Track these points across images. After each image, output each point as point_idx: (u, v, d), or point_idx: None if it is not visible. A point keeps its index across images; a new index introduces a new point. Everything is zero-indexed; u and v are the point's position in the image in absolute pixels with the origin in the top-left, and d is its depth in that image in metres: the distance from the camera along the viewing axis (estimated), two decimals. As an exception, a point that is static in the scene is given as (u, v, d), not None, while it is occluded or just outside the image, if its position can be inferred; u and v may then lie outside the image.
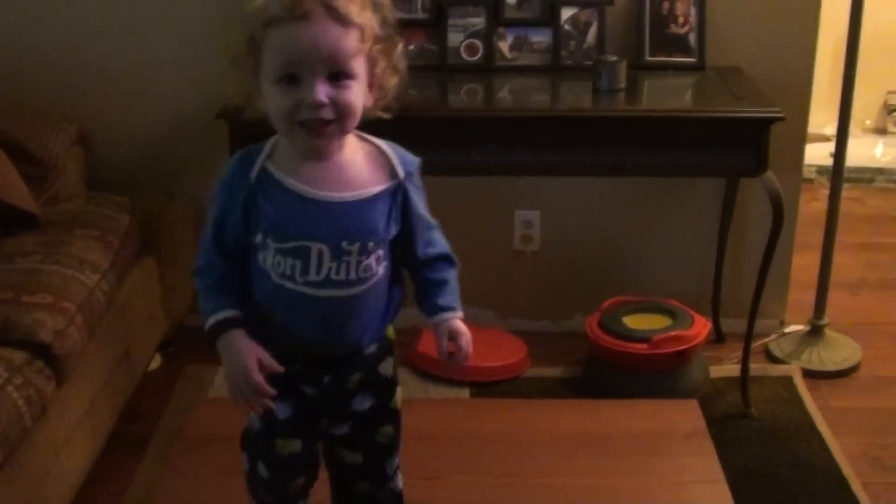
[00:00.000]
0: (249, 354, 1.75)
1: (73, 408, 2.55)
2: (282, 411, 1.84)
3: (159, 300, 3.17)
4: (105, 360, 2.75)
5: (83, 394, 2.60)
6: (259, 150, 1.75)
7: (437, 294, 1.85)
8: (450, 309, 1.86)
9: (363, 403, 1.90)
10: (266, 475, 1.91)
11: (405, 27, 3.11)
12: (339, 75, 1.66)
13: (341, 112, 1.67)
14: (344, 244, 1.72)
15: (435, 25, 3.18)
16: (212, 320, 1.79)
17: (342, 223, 1.73)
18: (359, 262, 1.74)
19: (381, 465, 1.97)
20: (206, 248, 1.78)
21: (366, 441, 1.94)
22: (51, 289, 2.57)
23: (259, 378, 1.74)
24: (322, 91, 1.64)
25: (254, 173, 1.73)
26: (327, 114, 1.65)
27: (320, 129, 1.67)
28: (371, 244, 1.74)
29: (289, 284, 1.74)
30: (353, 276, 1.75)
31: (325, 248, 1.71)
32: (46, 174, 3.07)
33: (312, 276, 1.73)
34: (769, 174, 2.84)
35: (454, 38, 3.17)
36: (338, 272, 1.73)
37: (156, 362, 3.30)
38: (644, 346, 3.10)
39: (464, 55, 3.18)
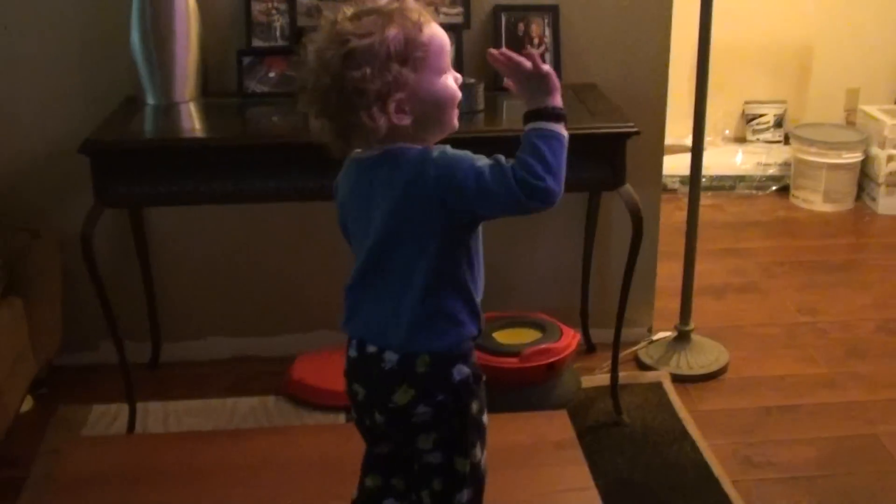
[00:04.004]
0: None
1: (-58, 455, 2.51)
2: None
3: (28, 340, 3.12)
4: (-26, 404, 2.71)
5: (-48, 440, 2.56)
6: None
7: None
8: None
9: None
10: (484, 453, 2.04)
11: (265, 55, 3.18)
12: None
13: None
14: None
15: (295, 53, 3.18)
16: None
17: None
18: None
19: None
20: (503, 171, 1.78)
21: None
22: (-87, 335, 2.52)
23: None
24: None
25: None
26: None
27: None
28: None
29: (475, 246, 1.93)
30: None
31: None
32: None
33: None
34: (627, 187, 2.90)
35: (315, 66, 3.18)
36: None
37: (27, 404, 3.25)
38: (514, 360, 3.13)
39: (326, 82, 3.20)
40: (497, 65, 1.86)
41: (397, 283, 1.87)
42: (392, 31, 1.76)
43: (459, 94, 1.88)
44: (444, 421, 1.92)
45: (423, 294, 1.85)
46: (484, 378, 1.98)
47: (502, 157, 1.79)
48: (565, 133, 1.80)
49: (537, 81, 1.82)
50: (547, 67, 1.82)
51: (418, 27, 1.78)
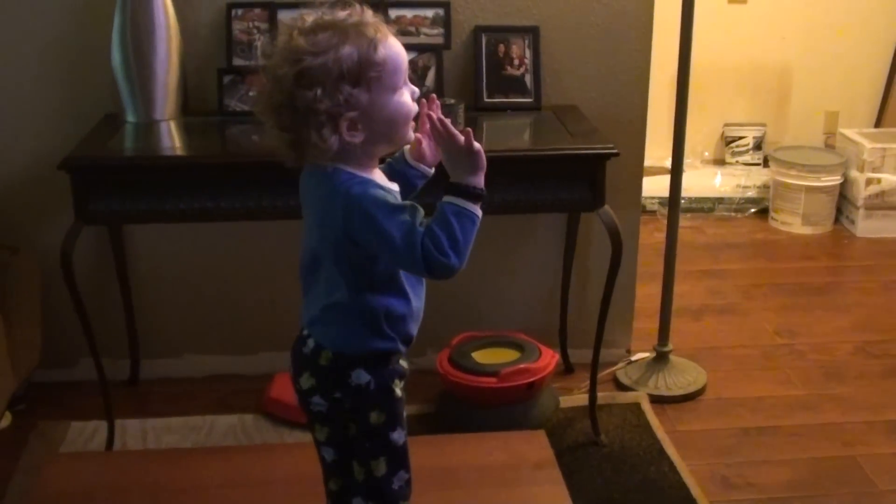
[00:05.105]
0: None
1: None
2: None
3: (7, 357, 3.11)
4: (-50, 420, 2.70)
5: (-71, 457, 2.54)
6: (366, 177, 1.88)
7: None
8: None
9: None
10: (407, 476, 2.07)
11: (246, 73, 3.18)
12: None
13: None
14: None
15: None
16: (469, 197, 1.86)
17: None
18: None
19: None
20: (413, 234, 1.80)
21: None
22: None
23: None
24: None
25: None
26: None
27: None
28: None
29: (394, 273, 1.94)
30: None
31: None
32: None
33: None
34: (606, 208, 2.91)
35: (296, 85, 3.19)
36: None
37: (6, 420, 3.24)
38: (493, 380, 3.14)
39: (307, 101, 3.21)
40: (432, 130, 1.89)
41: (323, 282, 1.94)
42: (346, 50, 1.77)
43: (415, 109, 1.89)
44: (337, 419, 2.01)
45: (337, 302, 1.92)
46: (399, 395, 2.01)
47: (420, 214, 1.81)
48: (480, 213, 1.85)
49: (466, 157, 1.86)
50: (478, 146, 1.86)
51: (373, 45, 1.79)
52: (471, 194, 1.84)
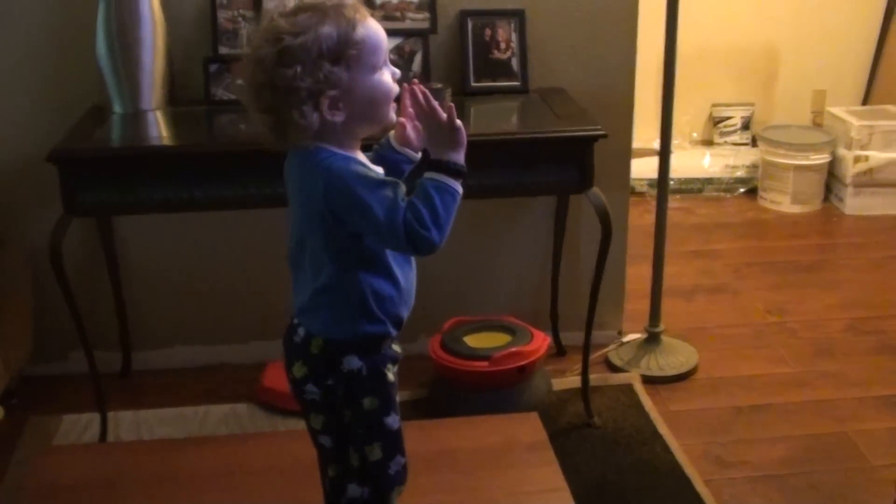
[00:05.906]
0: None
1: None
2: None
3: (-3, 352, 3.11)
4: (-57, 415, 2.69)
5: (-79, 452, 2.54)
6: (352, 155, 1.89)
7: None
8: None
9: None
10: (404, 461, 2.08)
11: (232, 62, 3.17)
12: None
13: None
14: None
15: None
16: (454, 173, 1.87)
17: None
18: None
19: None
20: (395, 209, 1.80)
21: None
22: None
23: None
24: None
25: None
26: None
27: None
28: None
29: (381, 253, 1.94)
30: None
31: None
32: None
33: None
34: (595, 190, 2.91)
35: (283, 73, 3.18)
36: None
37: (-3, 415, 3.25)
38: (485, 363, 3.14)
39: (293, 89, 3.20)
40: (415, 106, 1.90)
41: (310, 269, 1.94)
42: (325, 29, 1.79)
43: (396, 90, 1.89)
44: (332, 406, 2.01)
45: (324, 286, 1.92)
46: (391, 379, 2.01)
47: (402, 190, 1.82)
48: (460, 189, 1.86)
49: (447, 133, 1.87)
50: (459, 123, 1.86)
51: (352, 25, 1.80)
52: (451, 170, 1.85)
